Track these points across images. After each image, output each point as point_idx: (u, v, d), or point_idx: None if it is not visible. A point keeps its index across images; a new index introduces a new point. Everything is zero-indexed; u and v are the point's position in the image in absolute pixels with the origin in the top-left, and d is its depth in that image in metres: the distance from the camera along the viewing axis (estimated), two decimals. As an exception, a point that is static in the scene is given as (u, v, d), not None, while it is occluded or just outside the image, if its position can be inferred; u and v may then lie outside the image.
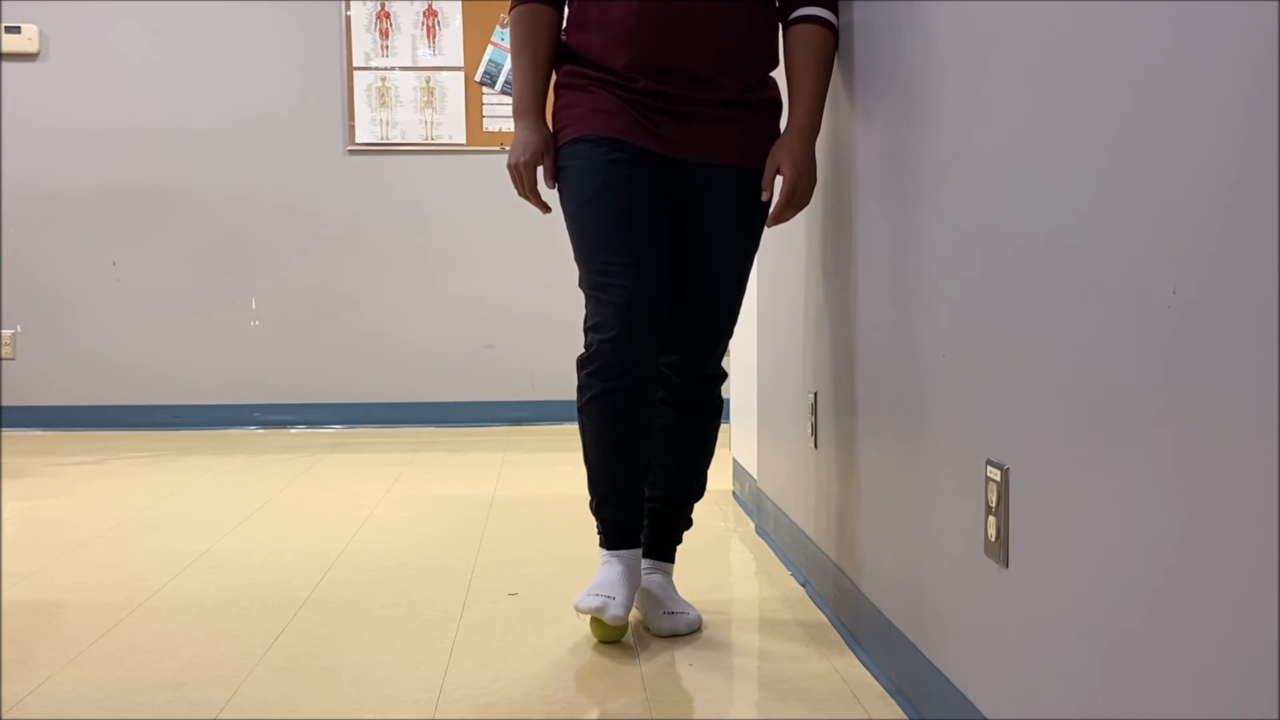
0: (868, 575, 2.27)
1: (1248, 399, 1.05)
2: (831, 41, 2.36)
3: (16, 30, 5.58)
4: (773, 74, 2.43)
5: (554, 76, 2.44)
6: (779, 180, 2.35)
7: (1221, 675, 1.10)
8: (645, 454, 2.39)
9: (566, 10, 2.41)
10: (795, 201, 2.36)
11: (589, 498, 2.43)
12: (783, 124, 2.44)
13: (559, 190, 2.39)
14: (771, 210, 2.38)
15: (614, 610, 2.30)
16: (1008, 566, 1.60)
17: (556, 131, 2.39)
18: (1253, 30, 1.03)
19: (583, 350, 2.32)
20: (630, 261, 2.27)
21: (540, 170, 2.39)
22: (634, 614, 2.51)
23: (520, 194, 2.41)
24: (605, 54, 2.32)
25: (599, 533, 2.44)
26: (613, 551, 2.41)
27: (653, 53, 2.29)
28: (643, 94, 2.30)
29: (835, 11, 2.37)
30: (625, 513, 2.40)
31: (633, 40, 2.29)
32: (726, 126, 2.34)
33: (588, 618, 2.39)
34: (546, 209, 2.46)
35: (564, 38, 2.42)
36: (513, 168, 2.38)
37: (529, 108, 2.39)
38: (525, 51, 2.39)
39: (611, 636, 2.36)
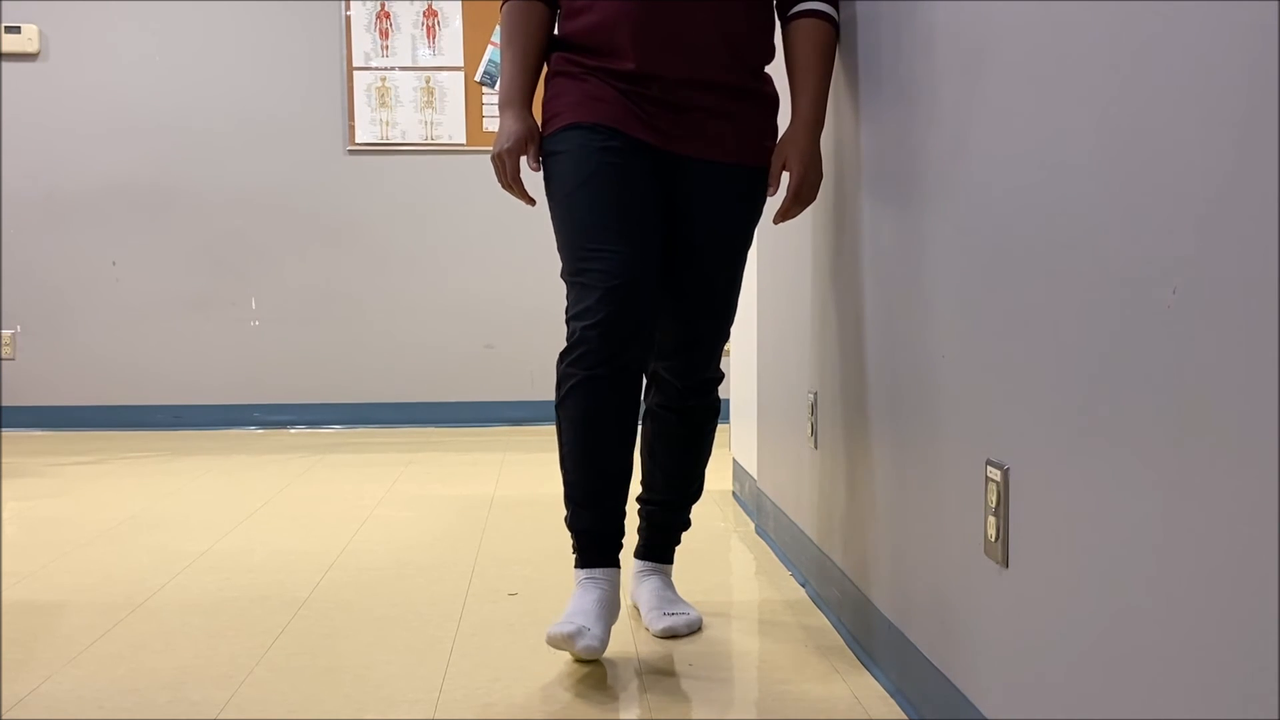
0: (868, 575, 2.27)
1: (1248, 399, 1.05)
2: (833, 35, 2.35)
3: (16, 30, 5.59)
4: (769, 71, 2.42)
5: (545, 68, 2.40)
6: (785, 176, 2.33)
7: (1222, 675, 1.10)
8: (627, 457, 2.27)
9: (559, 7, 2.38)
10: (802, 197, 2.33)
11: (564, 511, 2.30)
12: (780, 121, 2.43)
13: (546, 178, 2.33)
14: (780, 207, 2.36)
15: (587, 642, 2.16)
16: (1008, 566, 1.60)
17: (548, 119, 2.34)
18: (1252, 30, 1.03)
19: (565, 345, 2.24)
20: (616, 249, 2.20)
21: (524, 160, 2.33)
22: (632, 615, 2.51)
23: (502, 184, 2.33)
24: (604, 32, 2.26)
25: (574, 550, 2.30)
26: (589, 573, 2.27)
27: (656, 25, 2.24)
28: (638, 81, 2.26)
29: (836, 5, 2.36)
30: (603, 523, 2.27)
31: (634, 15, 2.24)
32: (722, 122, 2.31)
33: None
34: (530, 201, 2.39)
35: (556, 29, 2.39)
36: (495, 157, 2.31)
37: (514, 98, 2.34)
38: (514, 43, 2.35)
39: (589, 657, 2.23)
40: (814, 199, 2.36)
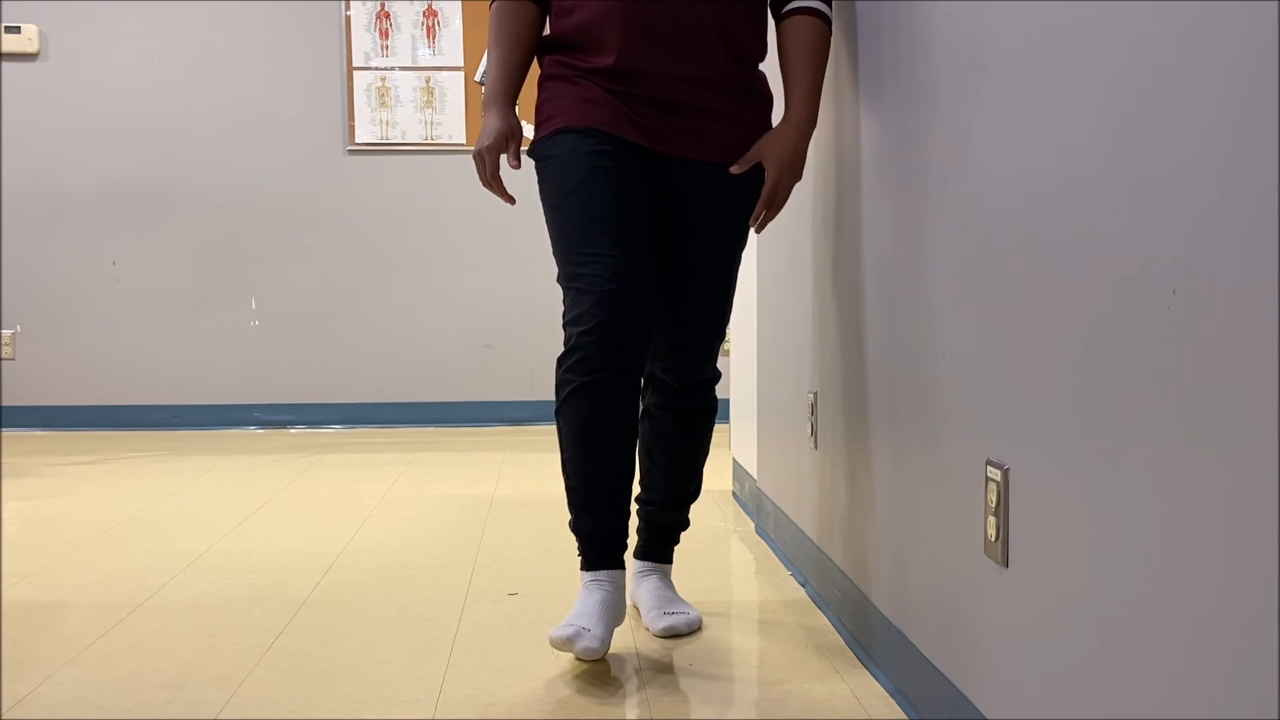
0: (868, 575, 2.27)
1: (1248, 399, 1.05)
2: (826, 34, 2.34)
3: (16, 30, 5.59)
4: (764, 70, 2.41)
5: (537, 70, 2.40)
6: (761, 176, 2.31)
7: (1221, 675, 1.10)
8: (628, 460, 2.27)
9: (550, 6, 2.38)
10: (776, 203, 2.32)
11: (567, 514, 2.32)
12: (776, 120, 2.42)
13: (539, 183, 2.32)
14: (753, 213, 2.33)
15: (586, 643, 2.17)
16: (1008, 566, 1.60)
17: (540, 123, 2.33)
18: (1253, 29, 1.03)
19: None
20: (610, 253, 2.20)
21: (504, 158, 2.32)
22: (632, 615, 2.52)
23: (483, 182, 2.33)
24: (593, 30, 2.25)
25: (579, 553, 2.31)
26: (593, 575, 2.28)
27: (645, 21, 2.23)
28: (627, 80, 2.25)
29: (829, 2, 2.35)
30: (605, 525, 2.28)
31: (623, 12, 2.23)
32: (716, 122, 2.30)
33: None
34: (510, 199, 2.38)
35: (547, 29, 2.38)
36: (476, 154, 2.31)
37: (497, 97, 2.33)
38: (500, 42, 2.35)
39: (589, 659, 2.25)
40: (784, 205, 2.33)
